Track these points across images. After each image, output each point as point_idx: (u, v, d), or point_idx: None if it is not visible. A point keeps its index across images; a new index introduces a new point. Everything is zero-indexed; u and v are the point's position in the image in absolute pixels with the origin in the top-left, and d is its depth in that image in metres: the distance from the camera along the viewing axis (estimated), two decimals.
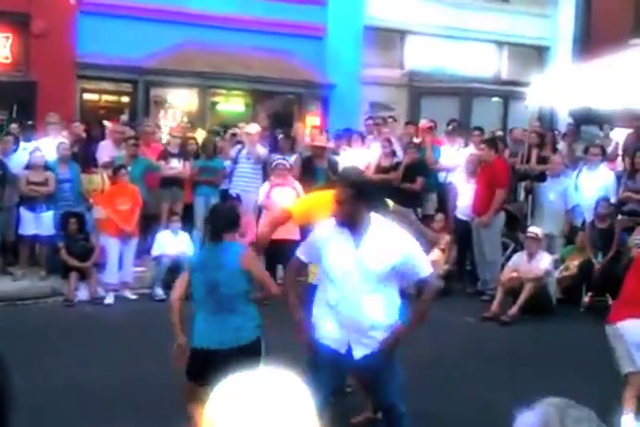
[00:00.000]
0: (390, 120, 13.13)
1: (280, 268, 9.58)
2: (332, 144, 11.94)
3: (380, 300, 4.37)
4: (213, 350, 4.62)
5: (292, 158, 11.31)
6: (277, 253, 9.36)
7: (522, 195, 11.78)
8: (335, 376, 4.54)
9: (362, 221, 4.35)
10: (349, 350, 4.40)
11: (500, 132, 13.01)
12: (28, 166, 10.12)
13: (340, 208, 4.36)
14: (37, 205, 10.08)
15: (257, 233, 9.90)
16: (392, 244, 4.33)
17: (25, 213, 10.09)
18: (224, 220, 4.91)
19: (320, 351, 4.44)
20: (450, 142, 12.24)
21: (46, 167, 10.19)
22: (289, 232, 9.60)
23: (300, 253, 4.65)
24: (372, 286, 4.33)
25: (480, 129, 12.45)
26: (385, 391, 4.58)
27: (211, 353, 4.61)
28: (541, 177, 10.95)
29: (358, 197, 4.32)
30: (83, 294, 9.65)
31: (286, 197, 9.58)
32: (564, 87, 11.45)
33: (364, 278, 4.31)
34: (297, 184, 9.95)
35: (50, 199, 10.15)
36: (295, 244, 9.13)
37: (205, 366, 4.48)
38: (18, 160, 10.39)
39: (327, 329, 4.43)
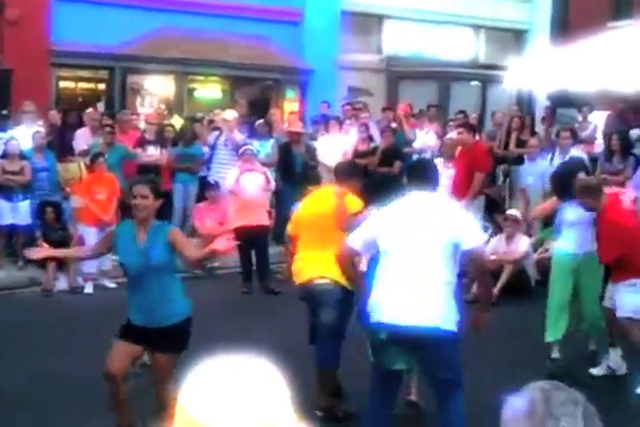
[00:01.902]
0: (360, 105, 13.13)
1: (254, 253, 9.58)
2: (309, 130, 11.93)
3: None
4: None
5: (270, 144, 11.28)
6: (250, 239, 9.37)
7: (500, 178, 11.81)
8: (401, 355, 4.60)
9: None
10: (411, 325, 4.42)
11: (474, 116, 13.00)
12: (4, 155, 10.02)
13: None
14: (14, 194, 9.98)
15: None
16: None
17: (1, 203, 9.99)
18: None
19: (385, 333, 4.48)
20: (419, 126, 12.35)
21: (22, 156, 10.08)
22: (260, 218, 9.62)
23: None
24: (433, 259, 4.50)
25: (463, 112, 12.51)
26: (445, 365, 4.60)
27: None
28: (519, 160, 10.99)
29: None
30: (62, 283, 9.58)
31: (255, 182, 9.56)
32: (541, 70, 11.44)
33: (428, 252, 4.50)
34: (266, 170, 9.93)
35: (26, 188, 10.06)
36: (266, 229, 9.17)
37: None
38: None
39: (394, 305, 4.47)
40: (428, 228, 4.52)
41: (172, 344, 4.83)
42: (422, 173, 4.81)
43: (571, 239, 6.71)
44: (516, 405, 1.64)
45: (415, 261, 4.48)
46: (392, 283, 4.50)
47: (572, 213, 6.57)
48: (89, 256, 5.54)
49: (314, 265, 5.64)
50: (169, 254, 4.77)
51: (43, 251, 5.20)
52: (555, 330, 6.74)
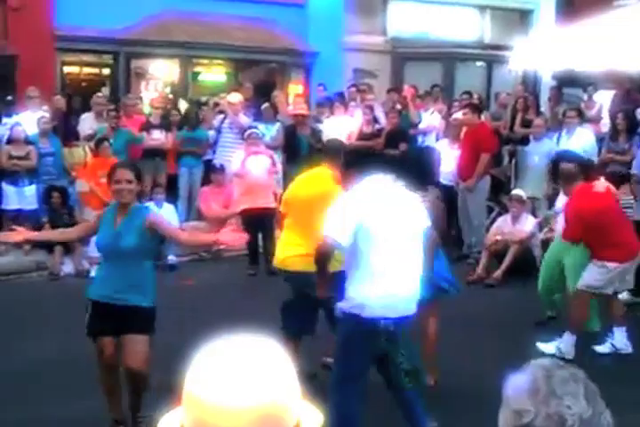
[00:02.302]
0: (365, 87, 13.09)
1: (260, 237, 9.61)
2: (314, 112, 11.90)
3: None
4: None
5: (275, 127, 11.27)
6: (257, 221, 9.40)
7: (506, 158, 11.78)
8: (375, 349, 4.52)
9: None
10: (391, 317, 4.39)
11: (476, 96, 12.94)
12: (9, 141, 10.05)
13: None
14: (20, 179, 10.03)
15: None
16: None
17: (7, 188, 10.04)
18: None
19: (363, 324, 4.36)
20: (424, 107, 12.31)
21: (27, 141, 10.11)
22: (266, 201, 9.64)
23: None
24: (416, 247, 4.45)
25: (469, 93, 12.47)
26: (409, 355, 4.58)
27: None
28: (524, 140, 10.95)
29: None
30: (68, 267, 9.63)
31: (261, 165, 9.56)
32: (547, 50, 11.38)
33: (406, 241, 4.42)
34: (272, 153, 9.93)
35: (32, 173, 10.10)
36: (272, 212, 9.15)
37: None
38: None
39: (376, 297, 4.36)
40: (407, 214, 4.46)
41: (143, 324, 4.76)
42: (380, 158, 4.74)
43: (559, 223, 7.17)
44: (517, 382, 1.65)
45: (402, 250, 4.37)
46: (380, 274, 4.34)
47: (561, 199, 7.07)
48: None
49: (290, 248, 5.65)
50: (141, 240, 4.73)
51: (19, 234, 5.17)
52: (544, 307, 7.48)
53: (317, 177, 5.75)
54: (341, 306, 4.46)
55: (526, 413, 1.59)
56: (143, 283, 4.82)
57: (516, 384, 1.65)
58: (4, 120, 10.70)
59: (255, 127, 10.37)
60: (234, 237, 4.76)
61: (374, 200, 4.40)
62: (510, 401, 1.64)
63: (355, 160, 4.60)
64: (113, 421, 4.97)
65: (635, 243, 6.65)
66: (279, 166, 9.99)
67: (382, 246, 4.33)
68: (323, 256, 4.56)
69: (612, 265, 6.45)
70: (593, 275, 6.51)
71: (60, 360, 6.28)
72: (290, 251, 5.66)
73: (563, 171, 6.75)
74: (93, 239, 5.31)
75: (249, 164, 9.51)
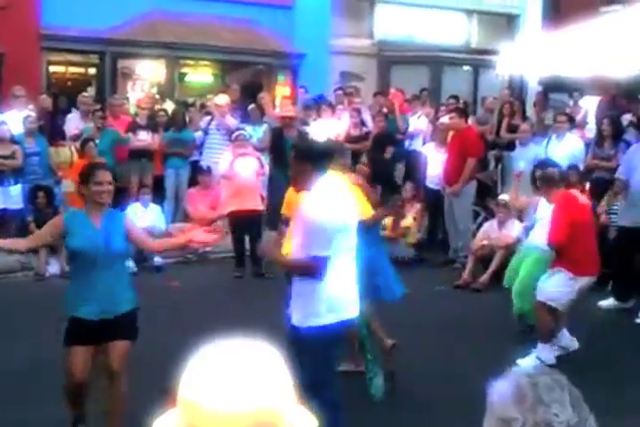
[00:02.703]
0: (351, 90, 13.11)
1: (247, 239, 9.59)
2: (301, 114, 11.89)
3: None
4: None
5: (262, 129, 11.26)
6: (244, 224, 9.39)
7: (492, 163, 11.82)
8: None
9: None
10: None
11: (462, 101, 12.99)
12: None
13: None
14: (5, 178, 9.97)
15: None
16: None
17: None
18: None
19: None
20: (411, 111, 12.35)
21: (13, 141, 10.06)
22: (254, 203, 9.62)
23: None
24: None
25: (455, 97, 12.51)
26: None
27: None
28: (510, 146, 11.00)
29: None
30: (53, 268, 9.58)
31: (250, 167, 9.55)
32: (533, 55, 11.42)
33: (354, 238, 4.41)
34: (260, 154, 9.92)
35: (18, 173, 10.04)
36: (260, 214, 9.07)
37: None
38: None
39: (351, 299, 4.37)
40: (354, 211, 4.47)
41: (130, 330, 4.71)
42: (331, 155, 4.56)
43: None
44: (502, 389, 1.65)
45: (353, 249, 4.37)
46: (344, 275, 4.32)
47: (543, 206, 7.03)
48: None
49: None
50: (126, 241, 4.72)
51: None
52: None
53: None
54: (313, 323, 4.31)
55: (514, 421, 1.60)
56: (128, 285, 4.79)
57: (501, 391, 1.64)
58: None
59: (242, 129, 10.35)
60: (207, 237, 4.71)
61: (337, 201, 4.30)
62: (496, 409, 1.64)
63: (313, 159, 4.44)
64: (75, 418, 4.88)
65: (597, 259, 6.66)
66: (267, 168, 9.98)
67: (343, 247, 4.29)
68: (312, 275, 4.25)
69: (574, 276, 6.41)
70: (555, 284, 6.46)
71: (45, 361, 6.24)
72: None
73: (545, 175, 6.74)
74: None
75: (237, 165, 9.49)
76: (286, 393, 1.47)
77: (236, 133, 9.90)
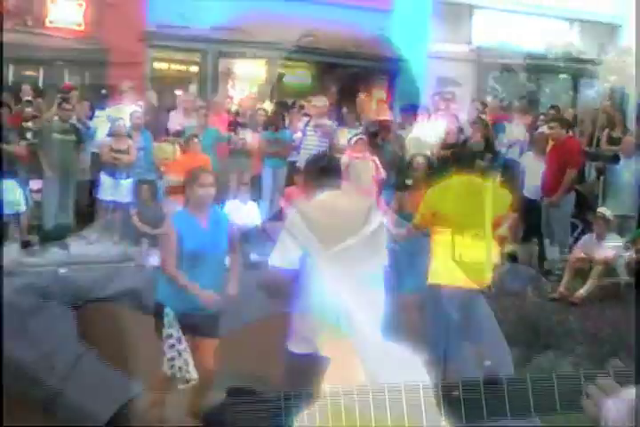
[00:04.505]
0: (449, 96, 13.06)
1: None
2: (398, 119, 11.92)
3: None
4: None
5: (357, 132, 11.30)
6: None
7: (592, 175, 11.64)
8: None
9: None
10: None
11: (569, 111, 12.84)
12: (111, 134, 10.30)
13: None
14: (117, 172, 10.28)
15: None
16: None
17: (105, 179, 10.29)
18: None
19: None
20: (510, 118, 12.24)
21: (129, 136, 10.35)
22: None
23: None
24: None
25: (555, 107, 12.36)
26: None
27: None
28: (614, 159, 10.80)
29: None
30: (154, 259, 9.81)
31: (367, 169, 9.59)
32: (635, 66, 11.24)
33: None
34: (375, 157, 9.95)
35: (130, 167, 10.34)
36: None
37: None
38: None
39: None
40: None
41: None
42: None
43: None
44: (618, 407, 1.59)
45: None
46: None
47: None
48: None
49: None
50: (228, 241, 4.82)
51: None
52: None
53: (471, 187, 5.81)
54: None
55: None
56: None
57: (616, 410, 1.60)
58: (97, 113, 10.95)
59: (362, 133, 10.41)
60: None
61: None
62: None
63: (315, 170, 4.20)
64: None
65: None
66: (383, 171, 10.00)
67: None
68: None
69: None
70: None
71: None
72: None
73: None
74: None
75: (353, 168, 9.56)
76: None
77: (357, 137, 9.99)
